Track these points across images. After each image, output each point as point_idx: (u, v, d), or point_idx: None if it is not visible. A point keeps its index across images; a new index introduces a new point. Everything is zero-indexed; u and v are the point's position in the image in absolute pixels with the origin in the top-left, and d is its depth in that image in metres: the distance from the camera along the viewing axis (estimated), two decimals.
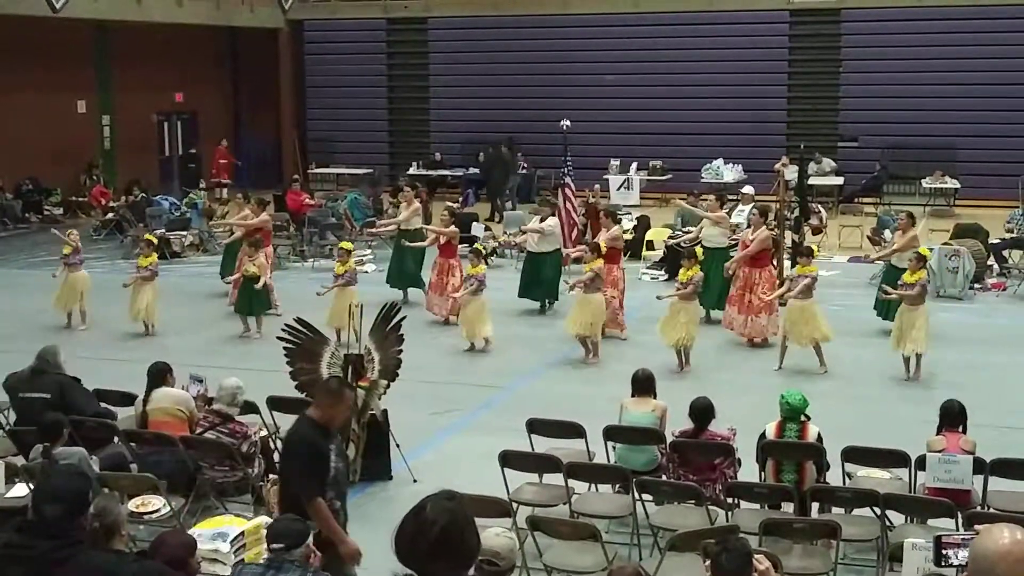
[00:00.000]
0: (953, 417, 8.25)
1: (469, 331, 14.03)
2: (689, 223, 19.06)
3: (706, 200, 16.64)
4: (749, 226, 14.81)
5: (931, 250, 15.07)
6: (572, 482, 8.35)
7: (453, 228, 15.82)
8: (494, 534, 4.81)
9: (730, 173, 25.31)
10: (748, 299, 14.06)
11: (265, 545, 6.78)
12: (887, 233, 18.53)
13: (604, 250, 14.07)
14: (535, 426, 9.16)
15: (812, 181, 23.74)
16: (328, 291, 14.25)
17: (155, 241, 16.22)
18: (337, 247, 15.70)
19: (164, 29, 26.67)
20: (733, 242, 15.39)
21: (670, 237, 18.23)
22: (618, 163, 25.49)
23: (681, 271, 13.45)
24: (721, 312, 14.93)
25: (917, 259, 12.74)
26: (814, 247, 14.27)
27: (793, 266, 14.33)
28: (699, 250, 14.08)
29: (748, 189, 18.19)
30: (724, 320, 14.51)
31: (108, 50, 26.95)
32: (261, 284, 14.91)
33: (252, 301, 14.95)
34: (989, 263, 17.63)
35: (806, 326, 12.90)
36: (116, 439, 9.21)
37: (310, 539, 5.73)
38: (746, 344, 14.14)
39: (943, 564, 3.56)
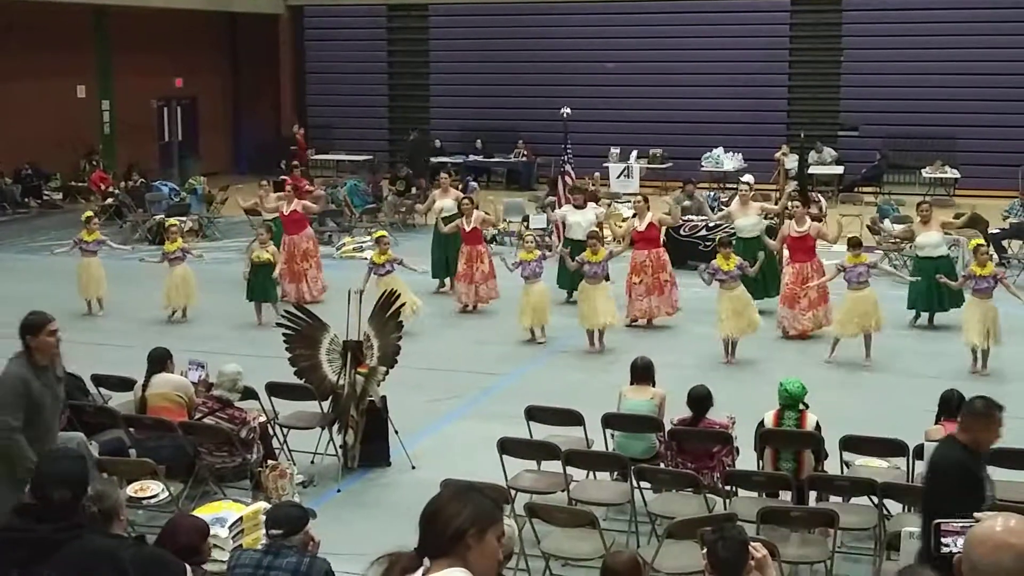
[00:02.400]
0: (952, 407, 8.24)
1: (535, 319, 13.83)
2: (691, 211, 19.04)
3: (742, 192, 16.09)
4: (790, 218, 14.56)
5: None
6: (570, 469, 8.36)
7: (480, 213, 15.85)
8: None
9: (730, 162, 25.28)
10: (804, 295, 13.72)
11: (263, 530, 6.81)
12: (887, 223, 18.52)
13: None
14: (534, 413, 9.17)
15: (812, 170, 23.74)
16: (366, 283, 14.05)
17: (178, 225, 16.17)
18: (374, 236, 15.47)
19: (164, 14, 26.61)
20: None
21: (670, 227, 18.20)
22: (618, 151, 25.45)
23: (720, 259, 13.13)
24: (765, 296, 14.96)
25: (982, 252, 12.67)
26: (859, 236, 14.09)
27: None
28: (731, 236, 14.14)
29: (748, 178, 18.17)
30: (778, 321, 14.05)
31: (108, 35, 26.90)
32: (277, 272, 14.90)
33: (266, 288, 14.91)
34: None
35: (869, 315, 12.75)
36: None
37: (309, 525, 5.74)
38: (782, 336, 13.89)
39: (942, 551, 3.56)
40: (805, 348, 13.33)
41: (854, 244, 13.26)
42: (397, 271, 14.38)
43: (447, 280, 16.61)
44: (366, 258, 17.65)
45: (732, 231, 15.46)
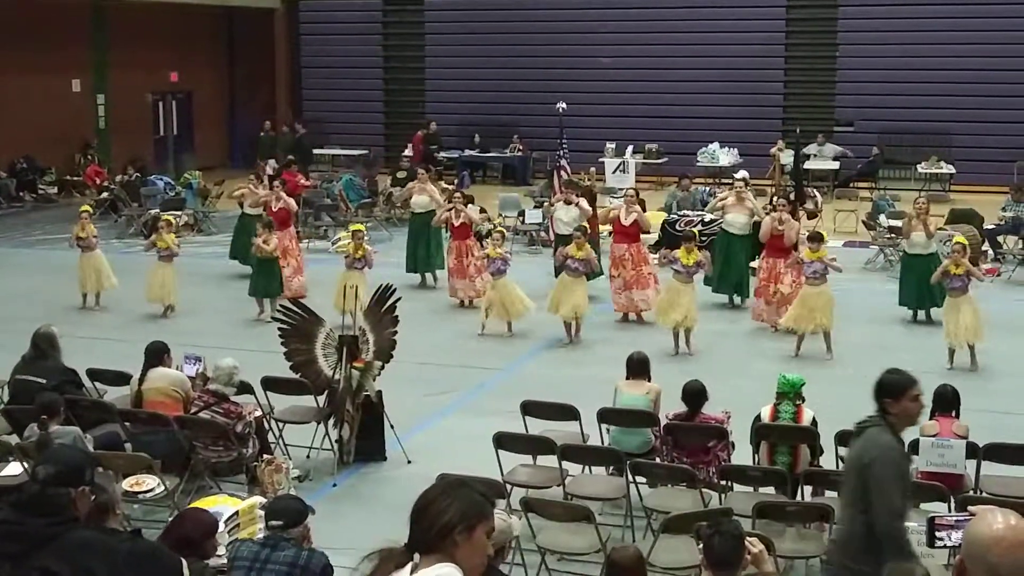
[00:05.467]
0: (946, 402, 8.27)
1: (503, 312, 13.85)
2: (684, 207, 19.06)
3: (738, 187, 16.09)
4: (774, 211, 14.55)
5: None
6: (566, 464, 8.37)
7: (471, 211, 15.89)
8: None
9: (726, 157, 25.28)
10: (774, 290, 13.81)
11: (259, 525, 6.82)
12: (882, 218, 18.55)
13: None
14: (529, 408, 9.17)
15: (808, 165, 23.75)
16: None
17: (173, 221, 16.15)
18: (349, 230, 15.45)
19: (160, 8, 26.58)
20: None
21: (666, 222, 18.26)
22: (614, 146, 25.45)
23: (681, 252, 13.25)
24: (739, 298, 15.10)
25: (962, 250, 12.64)
26: (824, 233, 14.10)
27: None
28: (696, 231, 14.11)
29: (743, 174, 18.17)
30: (754, 312, 14.21)
31: (104, 29, 26.85)
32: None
33: (268, 282, 14.87)
34: (983, 248, 17.63)
35: (818, 312, 12.79)
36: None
37: (308, 518, 5.75)
38: (771, 330, 13.86)
39: (936, 545, 3.57)
40: (792, 345, 13.31)
41: (813, 239, 13.31)
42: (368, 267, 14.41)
43: (427, 275, 16.62)
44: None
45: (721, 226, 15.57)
